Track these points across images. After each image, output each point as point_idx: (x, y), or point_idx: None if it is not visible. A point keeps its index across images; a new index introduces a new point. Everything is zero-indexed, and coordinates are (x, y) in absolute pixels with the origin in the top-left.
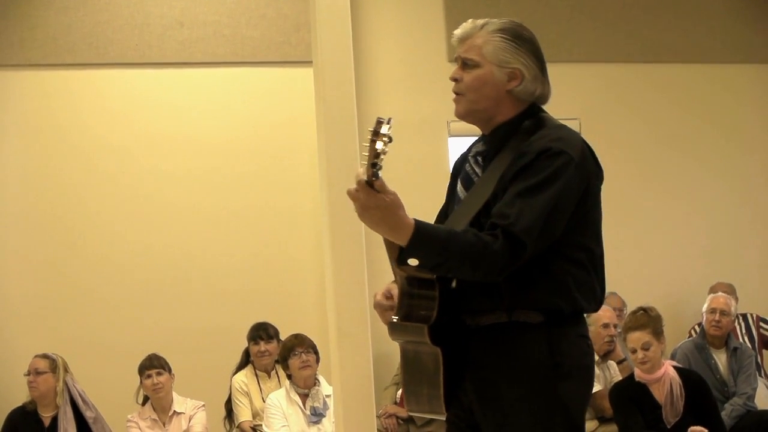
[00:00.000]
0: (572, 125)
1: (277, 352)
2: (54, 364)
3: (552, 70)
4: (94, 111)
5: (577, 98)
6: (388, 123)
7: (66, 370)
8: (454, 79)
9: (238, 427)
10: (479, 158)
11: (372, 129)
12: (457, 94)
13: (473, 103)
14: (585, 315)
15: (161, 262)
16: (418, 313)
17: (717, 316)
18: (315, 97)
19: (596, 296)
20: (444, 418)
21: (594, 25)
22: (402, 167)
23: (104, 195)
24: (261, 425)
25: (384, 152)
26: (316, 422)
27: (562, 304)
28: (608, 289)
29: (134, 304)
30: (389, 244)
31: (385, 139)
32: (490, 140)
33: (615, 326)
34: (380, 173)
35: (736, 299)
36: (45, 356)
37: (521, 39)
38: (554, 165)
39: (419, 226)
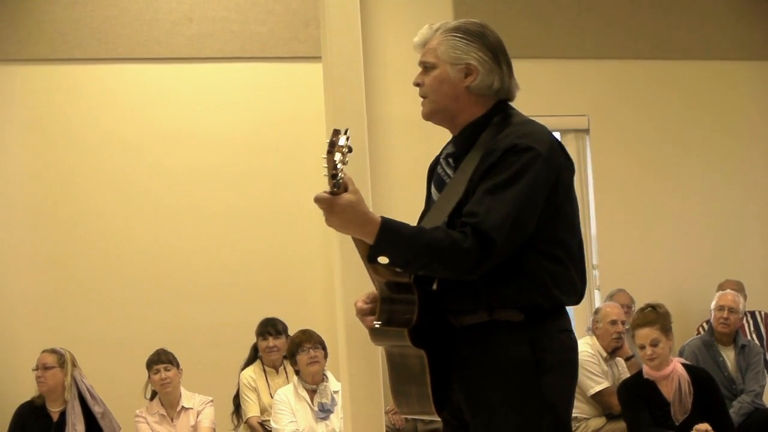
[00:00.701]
0: (580, 122)
1: (285, 347)
2: (62, 359)
3: (560, 66)
4: (101, 106)
5: (586, 95)
6: (345, 134)
7: (74, 364)
8: (417, 84)
9: (246, 422)
10: (450, 159)
11: (329, 140)
12: (422, 98)
13: (435, 104)
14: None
15: (169, 258)
16: (398, 318)
17: (725, 314)
18: (324, 92)
19: (576, 288)
20: (435, 418)
21: (602, 22)
22: (409, 164)
23: (112, 190)
24: (269, 421)
25: (344, 162)
26: (324, 418)
27: (541, 301)
28: (616, 286)
29: (143, 299)
30: (360, 245)
31: (344, 150)
32: (458, 141)
33: (623, 323)
34: (341, 182)
35: (745, 296)
36: (53, 351)
37: (472, 34)
38: (522, 161)
39: (386, 221)
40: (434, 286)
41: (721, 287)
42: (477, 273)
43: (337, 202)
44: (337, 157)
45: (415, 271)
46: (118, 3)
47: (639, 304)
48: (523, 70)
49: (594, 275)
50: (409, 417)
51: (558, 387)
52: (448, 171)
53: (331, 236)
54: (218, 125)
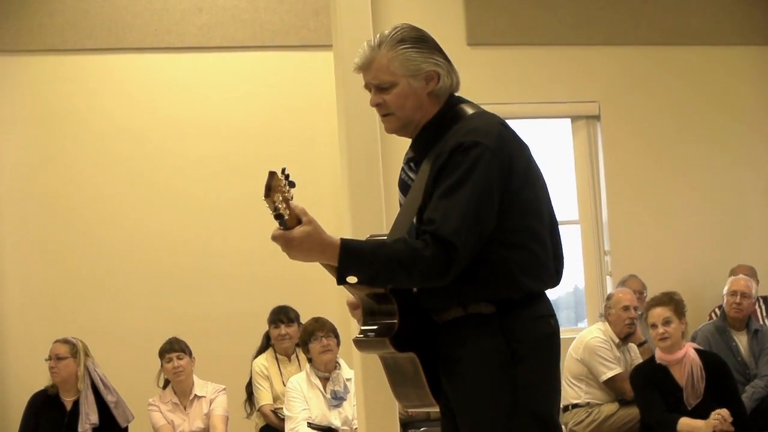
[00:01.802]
0: (591, 108)
1: (297, 335)
2: (75, 349)
3: (570, 53)
4: (112, 96)
5: (596, 81)
6: (283, 173)
7: (87, 354)
8: (377, 105)
9: (258, 410)
10: (411, 164)
11: (265, 184)
12: (385, 115)
13: (403, 119)
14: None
15: (181, 247)
16: (380, 329)
17: (738, 299)
18: (335, 81)
19: (548, 271)
20: (436, 408)
21: (612, 9)
22: None
23: (124, 180)
24: (282, 409)
25: (287, 199)
26: (337, 406)
27: (509, 292)
28: (628, 271)
29: (155, 288)
30: (329, 269)
31: (284, 188)
32: (415, 144)
33: (635, 309)
34: (286, 220)
35: (757, 281)
36: (66, 341)
37: (418, 41)
38: (469, 158)
39: (345, 243)
40: (414, 289)
41: (734, 272)
42: (446, 278)
43: (292, 237)
44: (277, 197)
45: (384, 285)
46: None
47: (651, 290)
48: (534, 57)
49: (606, 261)
50: (413, 410)
51: (534, 375)
52: (411, 175)
53: (343, 223)
54: (229, 114)
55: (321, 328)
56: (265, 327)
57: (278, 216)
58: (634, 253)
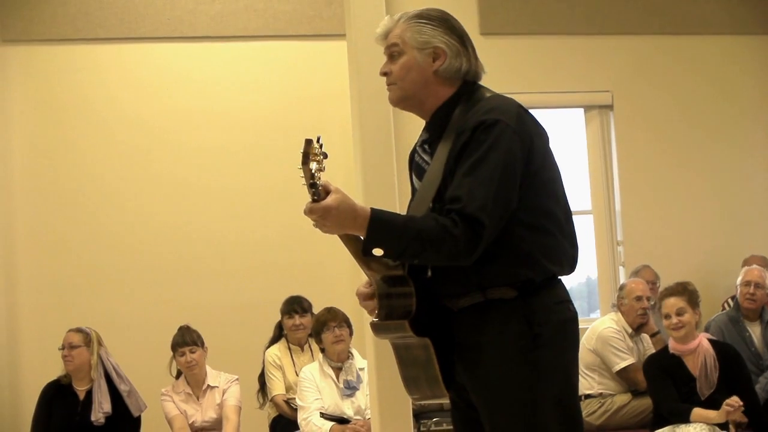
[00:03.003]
0: (604, 97)
1: (310, 325)
2: (88, 338)
3: (583, 42)
4: (125, 86)
5: (609, 71)
6: (318, 142)
7: (100, 343)
8: (384, 73)
9: (271, 400)
10: (426, 146)
11: (302, 151)
12: (389, 85)
13: (402, 90)
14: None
15: (194, 237)
16: (397, 311)
17: (751, 289)
18: (348, 70)
19: (567, 256)
20: (446, 400)
21: None
22: None
23: (136, 170)
24: (294, 399)
25: (320, 170)
26: (350, 395)
27: (531, 274)
28: (641, 262)
29: (168, 278)
30: (350, 244)
31: (319, 157)
32: (430, 126)
33: (648, 299)
34: (320, 190)
35: None
36: (79, 330)
37: (436, 19)
38: (491, 135)
39: (375, 212)
40: (429, 274)
41: (747, 263)
42: (472, 257)
43: (329, 206)
44: (313, 166)
45: (409, 260)
46: None
47: (664, 281)
48: (547, 46)
49: (618, 251)
50: (422, 402)
51: (556, 359)
52: (426, 158)
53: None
54: (242, 104)
55: (333, 318)
56: (278, 317)
57: (313, 185)
58: (647, 243)
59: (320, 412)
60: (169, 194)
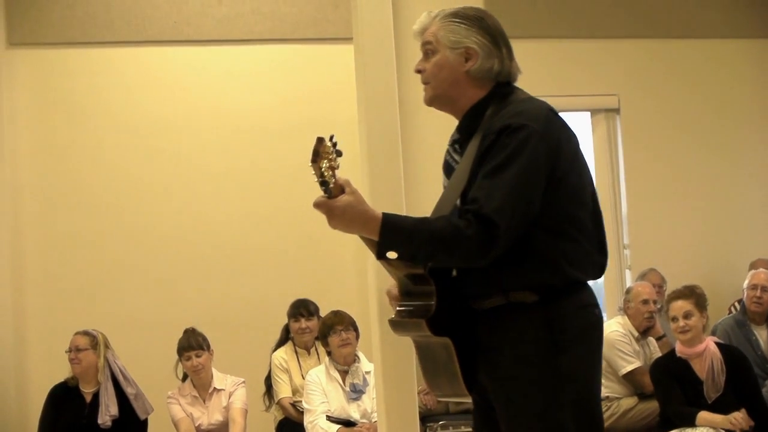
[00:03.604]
0: (611, 101)
1: (317, 329)
2: (94, 341)
3: (590, 46)
4: (131, 88)
5: (616, 74)
6: (330, 140)
7: (107, 346)
8: (418, 71)
9: (277, 403)
10: (456, 146)
11: (312, 150)
12: (424, 84)
13: (436, 90)
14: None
15: (201, 238)
16: (417, 309)
17: (758, 293)
18: (355, 74)
19: (593, 262)
20: (469, 400)
21: (633, 1)
22: (443, 144)
23: (143, 171)
24: (301, 402)
25: (333, 168)
26: (356, 399)
27: (553, 280)
28: (647, 265)
29: (175, 280)
30: (369, 244)
31: (331, 155)
32: (461, 126)
33: (654, 302)
34: (331, 188)
35: None
36: (86, 333)
37: (470, 19)
38: (516, 140)
39: (387, 217)
40: (454, 273)
41: (753, 266)
42: (486, 259)
43: (335, 205)
44: (324, 164)
45: (423, 262)
46: None
47: (670, 284)
48: (553, 50)
49: (625, 255)
50: (444, 399)
51: (577, 363)
52: (456, 157)
53: None
54: (248, 107)
55: (340, 321)
56: (284, 320)
57: (323, 183)
58: (654, 246)
59: (326, 415)
60: (175, 197)
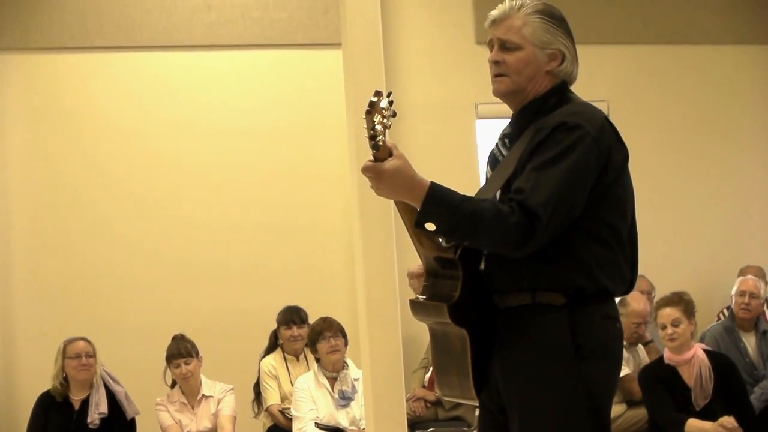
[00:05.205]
0: (600, 107)
1: (307, 336)
2: (94, 348)
3: (580, 51)
4: (122, 94)
5: (605, 80)
6: (388, 96)
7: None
8: (495, 62)
9: (266, 410)
10: (506, 140)
11: (369, 101)
12: (498, 75)
13: (516, 84)
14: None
15: (189, 245)
16: (440, 293)
17: (746, 299)
18: (344, 79)
19: (623, 275)
20: (475, 404)
21: (622, 7)
22: (430, 149)
23: (132, 176)
24: (289, 408)
25: (386, 126)
26: (345, 406)
27: (584, 283)
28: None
29: (162, 286)
30: (405, 214)
31: (386, 112)
32: (516, 120)
33: (646, 324)
34: (380, 144)
35: (766, 282)
36: (84, 339)
37: (558, 20)
38: (569, 138)
39: (434, 186)
40: (481, 266)
41: (742, 273)
42: (522, 250)
43: (384, 168)
44: (377, 118)
45: (460, 240)
46: None
47: (659, 290)
48: None
49: None
50: (450, 400)
51: (596, 373)
52: (503, 150)
53: (352, 222)
54: (238, 112)
55: (329, 328)
56: (273, 326)
57: (372, 137)
58: (643, 253)
59: (315, 423)
60: (165, 203)
